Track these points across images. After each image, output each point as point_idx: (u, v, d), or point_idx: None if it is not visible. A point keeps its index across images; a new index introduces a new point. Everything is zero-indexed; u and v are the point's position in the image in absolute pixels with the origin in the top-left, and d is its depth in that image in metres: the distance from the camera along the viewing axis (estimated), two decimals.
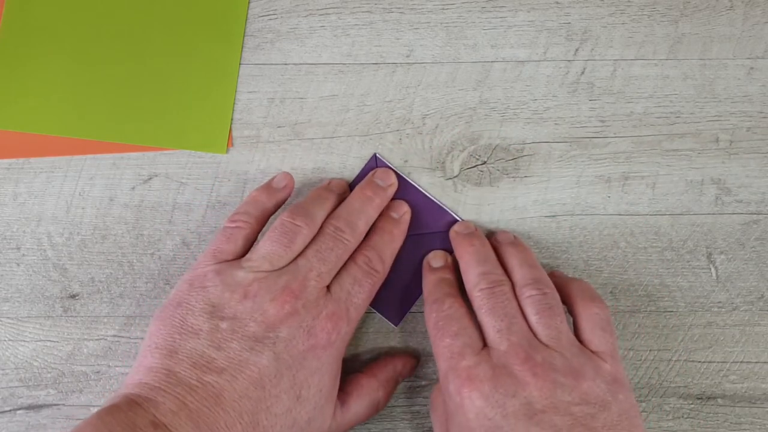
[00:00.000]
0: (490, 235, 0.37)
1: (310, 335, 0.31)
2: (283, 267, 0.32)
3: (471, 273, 0.34)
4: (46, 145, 0.38)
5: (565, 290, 0.34)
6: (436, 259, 0.37)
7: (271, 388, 0.29)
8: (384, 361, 0.36)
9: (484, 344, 0.32)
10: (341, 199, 0.36)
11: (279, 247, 0.32)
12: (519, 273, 0.34)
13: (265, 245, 0.33)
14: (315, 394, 0.31)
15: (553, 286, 0.33)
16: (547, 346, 0.31)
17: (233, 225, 0.34)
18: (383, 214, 0.36)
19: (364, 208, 0.35)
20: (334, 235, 0.33)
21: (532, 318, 0.32)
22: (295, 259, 0.33)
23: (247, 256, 0.32)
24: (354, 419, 0.34)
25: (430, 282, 0.35)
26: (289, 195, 0.36)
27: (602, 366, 0.31)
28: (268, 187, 0.36)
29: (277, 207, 0.36)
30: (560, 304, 0.33)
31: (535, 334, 0.32)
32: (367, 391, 0.35)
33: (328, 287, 0.33)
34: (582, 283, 0.35)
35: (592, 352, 0.32)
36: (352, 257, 0.34)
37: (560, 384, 0.30)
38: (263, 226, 0.35)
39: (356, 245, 0.34)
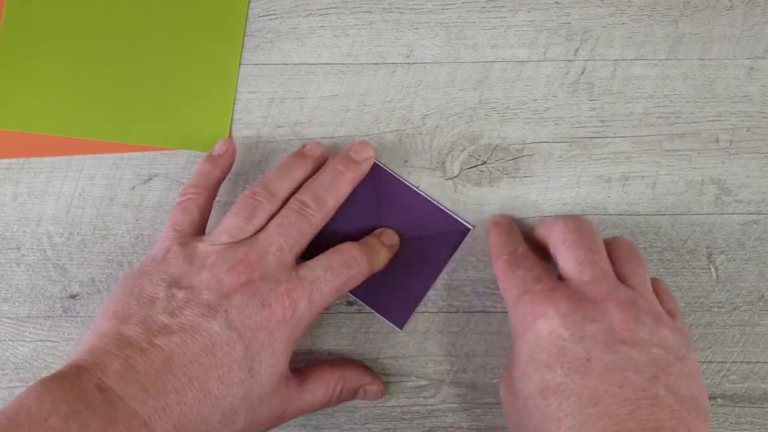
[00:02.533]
0: None
1: (264, 306, 0.30)
2: (244, 240, 0.32)
3: (556, 223, 0.33)
4: (46, 145, 0.38)
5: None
6: (501, 216, 0.37)
7: (223, 356, 0.29)
8: (356, 364, 0.36)
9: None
10: (317, 165, 0.36)
11: (239, 220, 0.33)
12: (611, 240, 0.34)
13: (226, 220, 0.33)
14: (267, 369, 0.30)
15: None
16: (632, 287, 0.31)
17: (184, 198, 0.34)
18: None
19: (334, 183, 0.34)
20: (298, 210, 0.33)
21: (621, 260, 0.32)
22: (257, 233, 0.33)
23: (210, 231, 0.33)
24: (307, 403, 0.33)
25: (499, 231, 0.35)
26: (232, 160, 0.36)
27: (677, 322, 0.31)
28: (209, 156, 0.36)
29: (223, 173, 0.36)
30: (643, 257, 0.33)
31: (620, 276, 0.31)
32: (328, 379, 0.34)
33: (298, 267, 0.32)
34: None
35: (666, 310, 0.32)
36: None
37: (642, 322, 0.29)
38: (214, 194, 0.36)
39: (323, 222, 0.34)
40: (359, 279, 0.34)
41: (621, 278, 0.31)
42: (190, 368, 0.28)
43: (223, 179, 0.36)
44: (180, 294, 0.30)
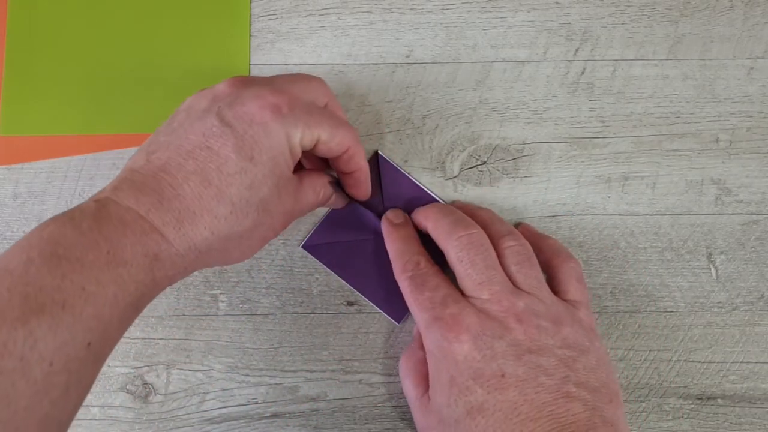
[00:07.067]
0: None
1: (256, 98, 0.30)
2: None
3: (442, 225, 0.34)
4: (48, 148, 0.38)
5: (537, 247, 0.35)
6: (396, 215, 0.37)
7: (219, 147, 0.29)
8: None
9: (463, 295, 0.32)
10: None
11: None
12: (492, 227, 0.34)
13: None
14: (268, 160, 0.30)
15: (526, 240, 0.34)
16: (528, 293, 0.32)
17: None
18: None
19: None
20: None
21: (512, 268, 0.33)
22: None
23: None
24: (307, 200, 0.33)
25: (397, 239, 0.35)
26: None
27: (578, 314, 0.32)
28: None
29: None
30: (535, 256, 0.34)
31: (514, 283, 0.32)
32: (318, 180, 0.34)
33: None
34: (553, 240, 0.36)
35: (568, 301, 0.33)
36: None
37: (543, 328, 0.31)
38: None
39: None
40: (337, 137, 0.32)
41: (515, 284, 0.32)
42: (186, 165, 0.28)
43: None
44: (179, 114, 0.31)
